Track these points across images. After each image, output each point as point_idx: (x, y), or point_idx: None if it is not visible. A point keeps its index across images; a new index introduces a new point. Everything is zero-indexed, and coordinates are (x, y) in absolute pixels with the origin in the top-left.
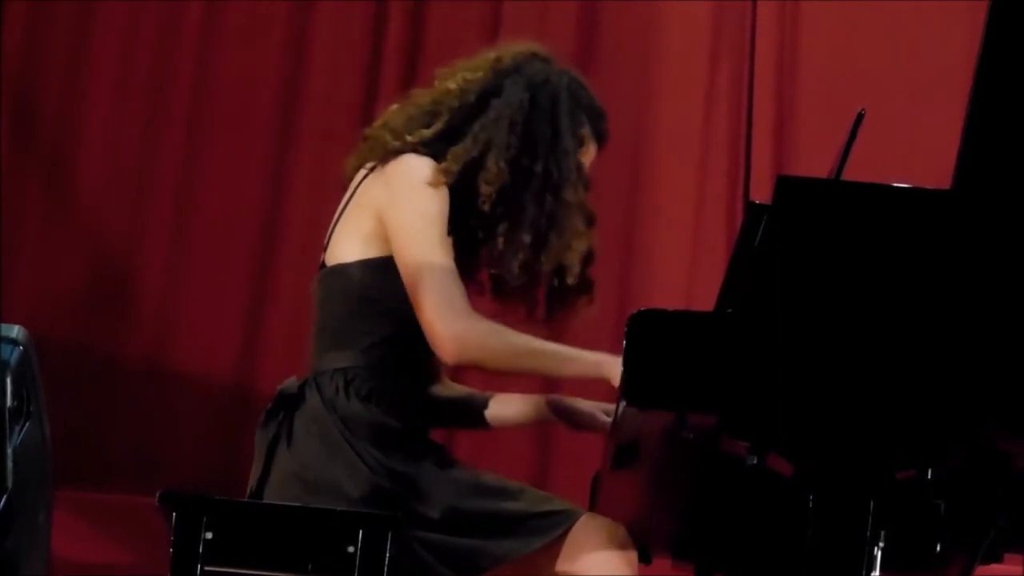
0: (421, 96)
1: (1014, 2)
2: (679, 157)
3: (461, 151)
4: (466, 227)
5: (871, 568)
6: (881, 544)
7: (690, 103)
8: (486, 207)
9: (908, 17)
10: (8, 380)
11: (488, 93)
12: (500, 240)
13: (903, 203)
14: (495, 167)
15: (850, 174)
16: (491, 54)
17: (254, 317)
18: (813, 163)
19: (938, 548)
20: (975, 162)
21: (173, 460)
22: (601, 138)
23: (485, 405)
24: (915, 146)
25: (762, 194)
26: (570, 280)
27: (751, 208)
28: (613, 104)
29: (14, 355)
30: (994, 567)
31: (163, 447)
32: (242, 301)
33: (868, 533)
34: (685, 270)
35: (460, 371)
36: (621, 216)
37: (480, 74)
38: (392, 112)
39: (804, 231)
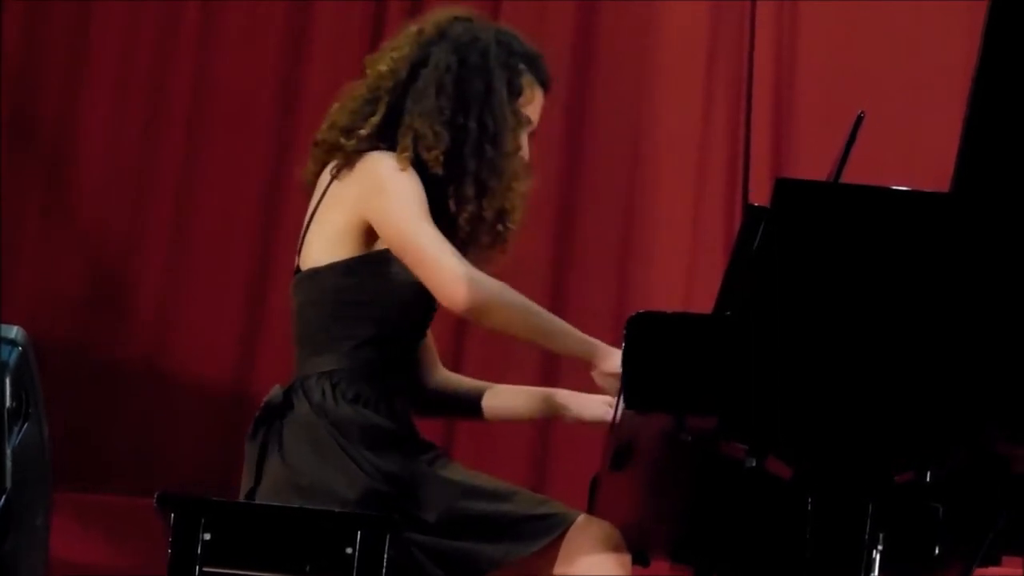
0: (357, 88)
1: (1014, 2)
2: (677, 158)
3: (405, 129)
4: (435, 202)
5: (869, 570)
6: (880, 547)
7: (688, 103)
8: (438, 170)
9: (907, 17)
10: (7, 381)
11: (417, 65)
12: (451, 202)
13: (902, 206)
14: (431, 132)
15: (849, 176)
16: (413, 28)
17: (253, 318)
18: (812, 164)
19: (936, 551)
20: (974, 164)
21: (172, 461)
22: (544, 82)
23: (482, 396)
24: (914, 147)
25: (760, 195)
26: (511, 224)
27: (750, 210)
28: (611, 104)
29: (13, 356)
30: (994, 569)
31: (162, 448)
32: (241, 302)
33: (867, 536)
34: (684, 272)
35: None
36: (619, 217)
37: (407, 49)
38: (335, 112)
39: (803, 234)
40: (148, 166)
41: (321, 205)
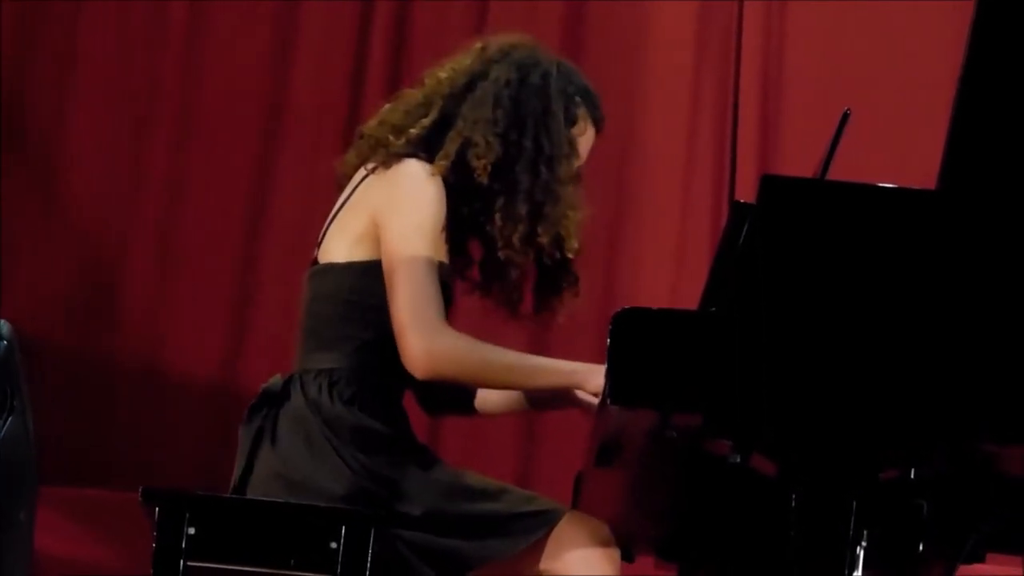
0: (413, 92)
1: (1000, 3)
2: (665, 155)
3: (454, 134)
4: (466, 212)
5: (854, 568)
6: (864, 544)
7: (676, 102)
8: (483, 180)
9: (894, 18)
10: None
11: (476, 77)
12: (498, 216)
13: (888, 203)
14: (483, 141)
15: (835, 175)
16: (477, 44)
17: (241, 317)
18: (798, 164)
19: (921, 548)
20: (960, 163)
21: (161, 458)
22: (598, 121)
23: (475, 392)
24: (900, 147)
25: (747, 194)
26: (570, 252)
27: (736, 207)
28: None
29: None
30: (991, 568)
31: (151, 445)
32: (229, 301)
33: (851, 533)
34: (670, 269)
35: None
36: (606, 215)
37: (468, 62)
38: (387, 110)
39: (788, 230)
40: (138, 165)
41: (349, 201)
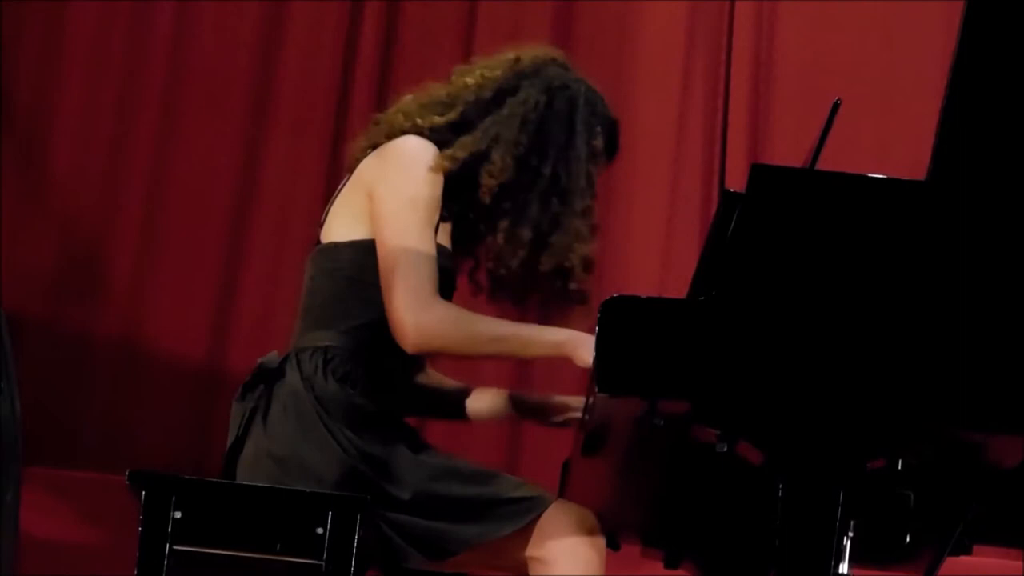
0: (437, 88)
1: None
2: (654, 145)
3: (469, 141)
4: (465, 217)
5: (840, 558)
6: (850, 534)
7: (666, 92)
8: (486, 199)
9: (885, 15)
10: None
11: (505, 91)
12: (501, 236)
13: (877, 193)
14: (500, 161)
15: (825, 167)
16: (510, 54)
17: (226, 298)
18: (788, 160)
19: (907, 538)
20: (950, 156)
21: (143, 439)
22: (613, 151)
23: (467, 397)
24: (890, 144)
25: (737, 184)
26: (573, 285)
27: (725, 196)
28: None
29: None
30: (991, 560)
31: (134, 426)
32: (214, 282)
33: (837, 523)
34: (658, 257)
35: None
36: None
37: (499, 72)
38: (407, 100)
39: (777, 220)
40: (122, 147)
41: (351, 180)
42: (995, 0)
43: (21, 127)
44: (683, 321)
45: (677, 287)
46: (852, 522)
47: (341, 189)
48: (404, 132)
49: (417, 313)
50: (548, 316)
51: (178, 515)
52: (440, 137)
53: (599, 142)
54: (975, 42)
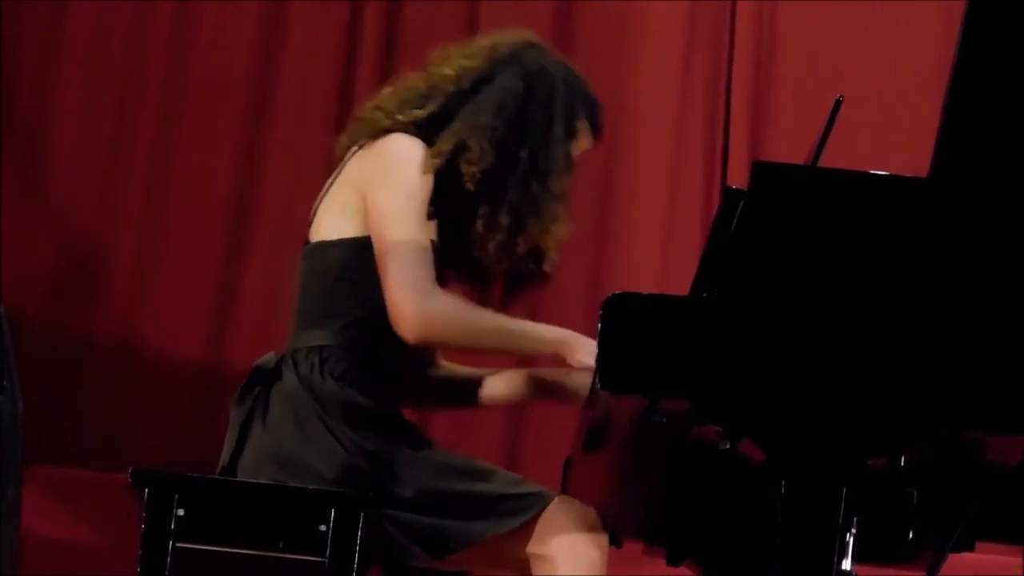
0: (415, 79)
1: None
2: (656, 141)
3: (450, 134)
4: (449, 210)
5: (843, 556)
6: (853, 531)
7: (667, 90)
8: (470, 186)
9: (885, 15)
10: None
11: (482, 80)
12: (479, 222)
13: (879, 190)
14: (478, 148)
15: (827, 164)
16: (486, 42)
17: (225, 298)
18: (789, 159)
19: (910, 536)
20: (952, 154)
21: (143, 439)
22: (597, 130)
23: (479, 384)
24: (892, 143)
25: (739, 181)
26: (546, 266)
27: (727, 193)
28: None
29: None
30: (993, 558)
31: (134, 426)
32: (213, 280)
33: (840, 520)
34: (660, 254)
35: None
36: (596, 199)
37: (476, 61)
38: (385, 94)
39: (780, 217)
40: (122, 147)
41: (339, 178)
42: (996, 0)
43: (21, 127)
44: (685, 318)
45: (678, 286)
46: (855, 519)
47: (329, 187)
48: (387, 130)
49: (419, 303)
50: (510, 298)
51: (181, 512)
52: (423, 132)
53: (581, 123)
54: (976, 41)
